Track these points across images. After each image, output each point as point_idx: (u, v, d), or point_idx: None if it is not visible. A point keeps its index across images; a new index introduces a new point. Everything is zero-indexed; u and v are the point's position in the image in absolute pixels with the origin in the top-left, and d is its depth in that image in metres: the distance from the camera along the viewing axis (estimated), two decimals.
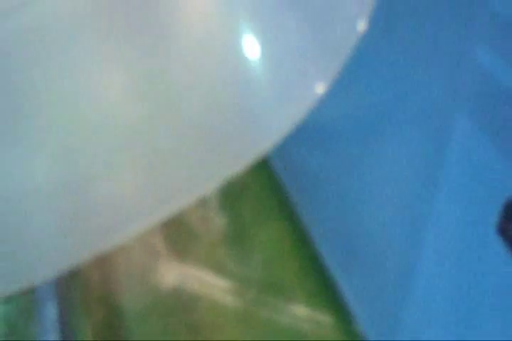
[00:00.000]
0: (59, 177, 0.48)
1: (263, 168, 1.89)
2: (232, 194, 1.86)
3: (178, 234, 1.75)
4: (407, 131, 1.05)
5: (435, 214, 1.00)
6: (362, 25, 0.50)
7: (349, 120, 1.29)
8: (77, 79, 0.54)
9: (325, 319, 1.49)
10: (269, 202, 1.80)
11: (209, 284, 1.61)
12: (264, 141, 0.51)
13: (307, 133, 1.51)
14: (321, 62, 0.53)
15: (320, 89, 0.50)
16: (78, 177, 0.48)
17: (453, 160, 0.90)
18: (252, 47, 0.51)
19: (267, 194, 1.83)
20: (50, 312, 1.34)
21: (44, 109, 0.55)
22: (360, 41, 0.49)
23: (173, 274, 1.65)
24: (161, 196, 0.54)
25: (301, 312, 1.51)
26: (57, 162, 0.55)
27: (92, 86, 0.56)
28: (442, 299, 1.06)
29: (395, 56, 1.01)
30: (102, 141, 0.52)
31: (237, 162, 0.50)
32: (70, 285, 1.60)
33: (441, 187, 0.95)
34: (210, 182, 0.47)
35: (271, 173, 1.83)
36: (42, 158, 0.54)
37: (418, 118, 0.99)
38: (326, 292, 1.54)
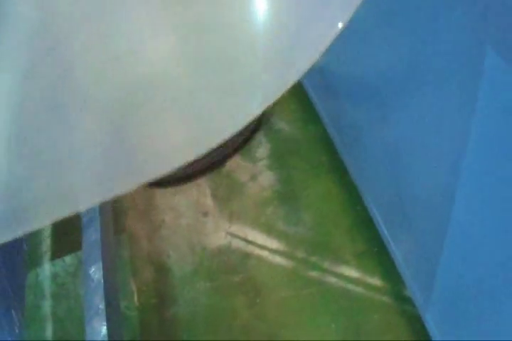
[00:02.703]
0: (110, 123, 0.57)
1: (313, 126, 1.84)
2: (281, 152, 1.82)
3: (227, 193, 1.74)
4: (441, 83, 1.00)
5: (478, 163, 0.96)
6: None
7: (390, 75, 1.23)
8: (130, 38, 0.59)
9: (374, 281, 1.45)
10: (319, 160, 1.76)
11: (258, 244, 1.60)
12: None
13: (354, 90, 1.45)
14: None
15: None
16: (129, 120, 0.58)
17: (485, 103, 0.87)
18: None
19: (316, 152, 1.78)
20: (96, 274, 1.35)
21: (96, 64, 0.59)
22: None
23: (222, 234, 1.64)
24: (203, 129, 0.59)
25: (350, 274, 1.48)
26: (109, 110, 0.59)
27: (142, 44, 0.60)
28: (491, 264, 1.01)
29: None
30: (151, 94, 0.58)
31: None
32: (117, 246, 1.62)
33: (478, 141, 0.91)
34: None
35: (321, 131, 1.78)
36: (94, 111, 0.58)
37: (450, 67, 0.95)
38: (375, 254, 1.50)
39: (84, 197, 0.57)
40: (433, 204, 1.18)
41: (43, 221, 0.58)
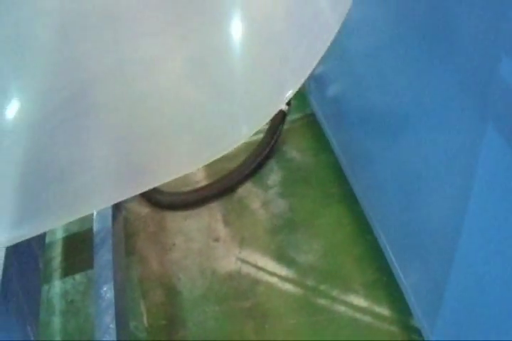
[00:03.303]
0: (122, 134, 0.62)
1: (324, 155, 1.87)
2: (292, 180, 1.84)
3: (238, 219, 1.76)
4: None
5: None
6: None
7: (400, 107, 1.26)
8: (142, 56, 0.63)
9: (382, 311, 1.47)
10: (330, 189, 1.78)
11: (267, 270, 1.61)
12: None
13: (365, 120, 1.48)
14: None
15: None
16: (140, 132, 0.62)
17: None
18: None
19: (327, 181, 1.80)
20: (107, 293, 1.36)
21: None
22: None
23: (232, 259, 1.66)
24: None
25: (358, 303, 1.49)
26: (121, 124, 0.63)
27: (152, 61, 0.64)
28: (499, 299, 1.02)
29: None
30: (161, 113, 0.63)
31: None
32: (128, 268, 1.63)
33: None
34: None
35: (332, 160, 1.81)
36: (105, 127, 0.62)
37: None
38: (384, 283, 1.51)
39: (98, 199, 0.60)
40: (443, 236, 1.19)
41: (56, 221, 0.61)
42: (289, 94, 0.64)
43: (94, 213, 1.41)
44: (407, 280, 1.39)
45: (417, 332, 1.35)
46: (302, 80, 0.64)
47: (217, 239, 1.71)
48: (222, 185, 1.83)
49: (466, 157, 0.97)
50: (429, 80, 1.04)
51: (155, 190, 1.79)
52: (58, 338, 1.48)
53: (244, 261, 1.64)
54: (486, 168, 0.92)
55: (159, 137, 0.63)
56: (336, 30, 0.63)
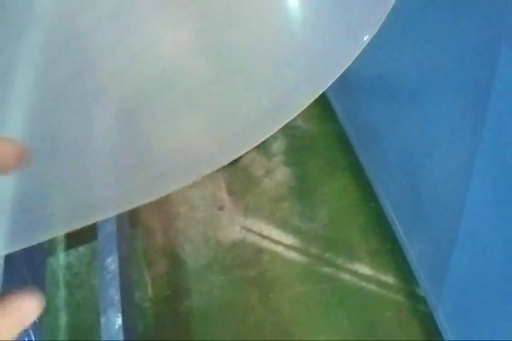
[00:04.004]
0: (124, 126, 0.55)
1: (329, 123, 1.84)
2: (297, 148, 1.82)
3: (242, 187, 1.74)
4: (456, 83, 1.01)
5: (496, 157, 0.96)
6: None
7: (408, 76, 1.23)
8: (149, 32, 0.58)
9: (388, 279, 1.46)
10: (335, 156, 1.76)
11: (272, 239, 1.60)
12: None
13: (372, 89, 1.45)
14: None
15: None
16: (144, 125, 0.55)
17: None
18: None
19: (332, 148, 1.78)
20: (111, 265, 1.36)
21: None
22: None
23: (237, 228, 1.65)
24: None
25: (364, 271, 1.49)
26: (123, 109, 0.59)
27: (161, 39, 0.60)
28: (504, 264, 1.02)
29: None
30: (169, 91, 0.57)
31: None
32: (132, 239, 1.63)
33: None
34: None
35: (337, 129, 1.78)
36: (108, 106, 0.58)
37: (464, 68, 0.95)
38: (389, 251, 1.51)
39: (103, 207, 0.57)
40: (448, 204, 1.18)
41: (60, 229, 0.58)
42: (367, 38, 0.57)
43: None
44: (412, 249, 1.39)
45: (423, 301, 1.35)
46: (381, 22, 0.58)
47: (221, 208, 1.70)
48: None
49: (471, 127, 0.96)
50: (441, 55, 1.02)
51: None
52: (63, 311, 1.49)
53: (248, 230, 1.64)
54: (492, 131, 0.91)
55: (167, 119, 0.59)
56: None
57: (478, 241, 1.08)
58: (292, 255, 1.56)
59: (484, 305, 1.11)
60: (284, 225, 1.63)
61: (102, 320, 1.35)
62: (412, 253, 1.37)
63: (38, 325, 1.41)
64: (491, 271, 1.06)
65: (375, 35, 0.61)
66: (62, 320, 1.44)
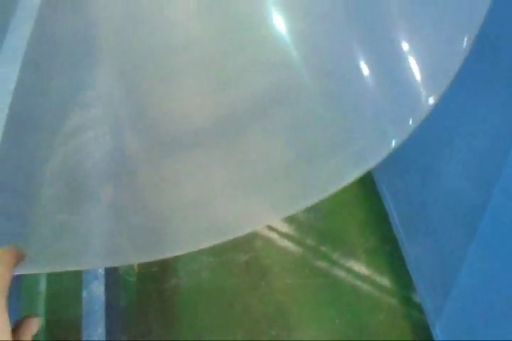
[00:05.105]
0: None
1: None
2: None
3: None
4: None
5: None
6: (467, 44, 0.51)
7: None
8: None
9: (383, 281, 1.43)
10: None
11: (268, 225, 1.55)
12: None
13: None
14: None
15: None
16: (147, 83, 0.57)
17: None
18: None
19: None
20: None
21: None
22: None
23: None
24: None
25: (359, 270, 1.45)
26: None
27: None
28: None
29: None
30: (177, 54, 0.57)
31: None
32: None
33: None
34: None
35: None
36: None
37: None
38: (387, 252, 1.47)
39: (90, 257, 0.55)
40: (457, 212, 1.15)
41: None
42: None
43: None
44: (411, 252, 1.35)
45: (418, 307, 1.33)
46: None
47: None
48: None
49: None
50: None
51: None
52: (44, 276, 1.42)
53: None
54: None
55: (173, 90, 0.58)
56: None
57: (489, 254, 1.05)
58: (286, 244, 1.52)
59: (487, 323, 1.09)
60: None
61: (85, 293, 1.31)
62: (412, 257, 1.34)
63: (16, 288, 1.36)
64: (498, 287, 1.04)
65: None
66: (42, 285, 1.38)
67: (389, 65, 0.54)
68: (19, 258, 0.47)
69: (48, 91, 0.54)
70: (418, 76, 0.53)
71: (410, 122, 0.54)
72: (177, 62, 0.57)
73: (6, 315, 0.43)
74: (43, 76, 0.53)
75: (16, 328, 0.48)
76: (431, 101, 0.52)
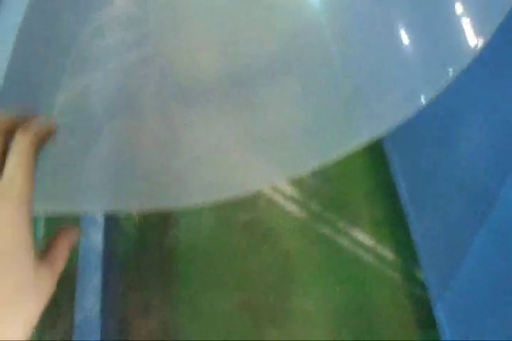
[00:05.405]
0: None
1: None
2: None
3: None
4: None
5: None
6: None
7: None
8: None
9: (387, 254, 1.40)
10: None
11: (272, 187, 1.51)
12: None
13: None
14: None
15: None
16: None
17: None
18: None
19: None
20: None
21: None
22: None
23: None
24: None
25: (363, 240, 1.43)
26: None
27: None
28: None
29: None
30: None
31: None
32: None
33: None
34: None
35: None
36: None
37: None
38: (393, 224, 1.44)
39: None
40: (469, 191, 1.12)
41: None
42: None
43: None
44: (418, 228, 1.32)
45: (421, 285, 1.31)
46: None
47: None
48: None
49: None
50: None
51: None
52: (41, 221, 1.37)
53: None
54: None
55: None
56: None
57: (503, 233, 1.03)
58: (290, 206, 1.48)
59: (491, 304, 1.07)
60: None
61: (83, 240, 1.28)
62: (418, 231, 1.31)
63: None
64: (505, 270, 1.02)
65: None
66: (40, 231, 1.33)
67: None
68: (45, 134, 0.42)
69: (61, 16, 0.53)
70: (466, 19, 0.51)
71: (450, 71, 0.51)
72: (191, 11, 0.56)
73: (28, 228, 0.38)
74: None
75: (52, 243, 0.44)
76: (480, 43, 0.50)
